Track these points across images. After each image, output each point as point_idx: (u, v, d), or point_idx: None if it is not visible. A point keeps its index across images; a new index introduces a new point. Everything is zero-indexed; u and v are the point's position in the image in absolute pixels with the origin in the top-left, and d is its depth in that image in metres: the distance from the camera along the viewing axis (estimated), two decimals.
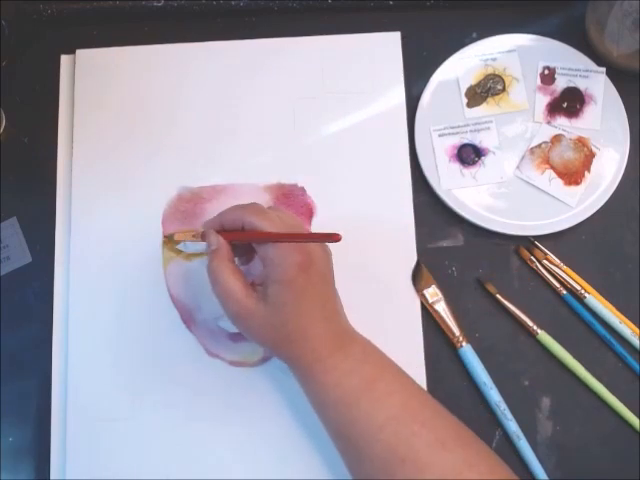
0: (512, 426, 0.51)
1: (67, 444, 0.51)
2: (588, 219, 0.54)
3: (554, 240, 0.55)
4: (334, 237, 0.40)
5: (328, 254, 0.47)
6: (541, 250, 0.54)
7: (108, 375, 0.52)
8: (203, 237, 0.48)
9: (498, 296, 0.53)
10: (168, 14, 0.59)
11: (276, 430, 0.51)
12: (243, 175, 0.55)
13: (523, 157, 0.56)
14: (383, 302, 0.53)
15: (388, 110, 0.56)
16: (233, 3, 0.59)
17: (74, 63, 0.58)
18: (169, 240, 0.54)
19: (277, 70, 0.57)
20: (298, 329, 0.44)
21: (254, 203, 0.47)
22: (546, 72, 0.57)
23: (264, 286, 0.44)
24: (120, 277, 0.54)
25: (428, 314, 0.53)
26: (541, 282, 0.54)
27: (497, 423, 0.52)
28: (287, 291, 0.43)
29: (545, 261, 0.54)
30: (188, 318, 0.53)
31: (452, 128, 0.56)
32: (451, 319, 0.52)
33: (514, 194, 0.55)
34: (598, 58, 0.57)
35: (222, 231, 0.46)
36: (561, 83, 0.57)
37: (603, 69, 0.56)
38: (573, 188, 0.55)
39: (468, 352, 0.52)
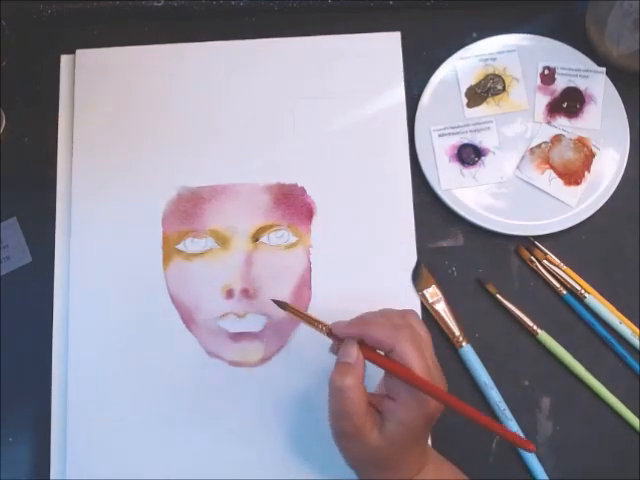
0: (512, 426, 0.51)
1: (67, 444, 0.51)
2: (588, 219, 0.54)
3: (554, 240, 0.55)
4: (529, 446, 0.39)
5: None
6: (541, 250, 0.54)
7: (108, 375, 0.52)
8: (331, 335, 0.44)
9: (498, 296, 0.53)
10: (168, 14, 0.59)
11: (276, 430, 0.51)
12: (243, 175, 0.55)
13: (523, 157, 0.56)
14: (383, 302, 0.53)
15: (388, 110, 0.56)
16: (233, 3, 0.59)
17: (74, 63, 0.58)
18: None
19: (277, 70, 0.57)
20: (397, 464, 0.43)
21: (406, 326, 0.43)
22: (546, 72, 0.57)
23: (384, 417, 0.42)
24: (120, 277, 0.54)
25: (428, 314, 0.53)
26: (541, 282, 0.54)
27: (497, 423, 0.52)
28: (407, 435, 0.42)
29: (545, 261, 0.54)
30: (188, 318, 0.53)
31: (452, 128, 0.56)
32: (451, 319, 0.52)
33: (514, 194, 0.55)
34: (598, 58, 0.57)
35: (362, 345, 0.43)
36: (561, 83, 0.57)
37: (603, 69, 0.56)
38: (573, 188, 0.55)
39: (468, 352, 0.52)
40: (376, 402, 0.43)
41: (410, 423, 0.41)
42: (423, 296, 0.53)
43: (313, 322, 0.45)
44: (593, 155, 0.55)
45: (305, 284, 0.53)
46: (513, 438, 0.41)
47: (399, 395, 0.42)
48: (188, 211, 0.55)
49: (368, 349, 0.43)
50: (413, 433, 0.42)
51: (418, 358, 0.41)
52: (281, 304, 0.48)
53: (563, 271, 0.54)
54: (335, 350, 0.45)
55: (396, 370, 0.41)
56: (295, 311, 0.47)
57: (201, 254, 0.54)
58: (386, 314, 0.44)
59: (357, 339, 0.43)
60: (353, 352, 0.42)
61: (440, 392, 0.41)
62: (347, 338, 0.43)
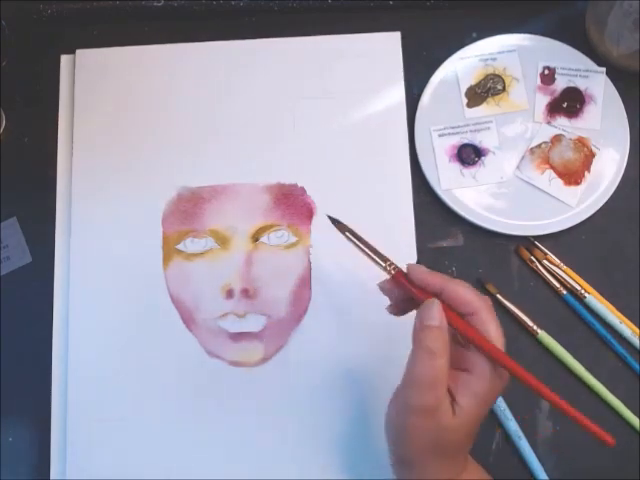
0: (512, 426, 0.51)
1: (67, 444, 0.51)
2: (588, 219, 0.54)
3: (554, 240, 0.55)
4: (608, 440, 0.38)
5: None
6: (541, 250, 0.54)
7: (108, 375, 0.52)
8: (398, 280, 0.41)
9: (498, 296, 0.53)
10: (168, 14, 0.59)
11: (276, 430, 0.51)
12: (243, 175, 0.55)
13: (523, 157, 0.56)
14: (383, 302, 0.53)
15: (388, 110, 0.56)
16: (233, 3, 0.59)
17: (74, 63, 0.58)
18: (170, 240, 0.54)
19: (277, 70, 0.57)
20: (457, 451, 0.41)
21: (487, 298, 0.40)
22: (546, 72, 0.57)
23: (456, 392, 0.39)
24: (120, 277, 0.54)
25: None
26: (541, 282, 0.54)
27: (497, 423, 0.52)
28: (479, 412, 0.39)
29: (545, 261, 0.54)
30: (188, 318, 0.53)
31: (452, 128, 0.56)
32: None
33: (514, 194, 0.55)
34: (598, 58, 0.57)
35: (445, 305, 0.40)
36: (561, 83, 0.57)
37: (603, 69, 0.56)
38: (573, 188, 0.55)
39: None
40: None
41: (484, 397, 0.39)
42: None
43: (377, 257, 0.42)
44: (593, 155, 0.55)
45: (305, 284, 0.53)
46: (593, 428, 0.39)
47: (475, 366, 0.39)
48: (188, 211, 0.55)
49: (445, 306, 0.40)
50: (484, 410, 0.40)
51: (497, 328, 0.40)
52: (340, 226, 0.44)
53: (563, 271, 0.54)
54: (385, 289, 0.42)
55: (476, 337, 0.39)
56: (355, 239, 0.43)
57: (201, 254, 0.54)
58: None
59: (434, 292, 0.40)
60: (439, 314, 0.39)
61: (517, 366, 0.39)
62: (434, 301, 0.40)
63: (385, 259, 0.42)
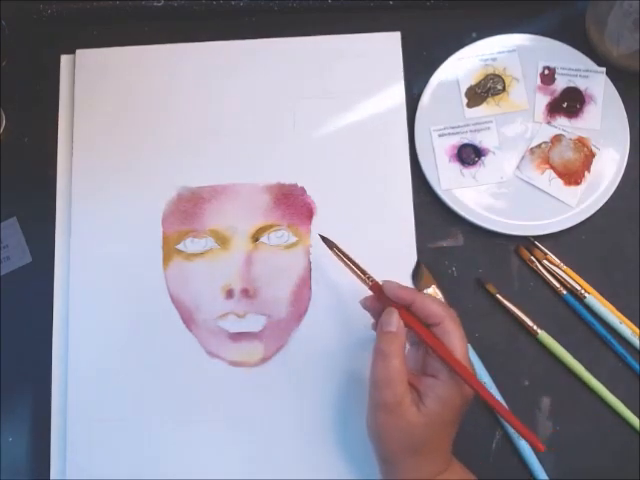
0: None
1: (67, 444, 0.51)
2: (588, 219, 0.54)
3: (554, 240, 0.55)
4: (538, 446, 0.41)
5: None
6: (541, 250, 0.54)
7: (108, 375, 0.52)
8: (375, 291, 0.46)
9: (498, 296, 0.53)
10: (168, 14, 0.59)
11: (276, 430, 0.51)
12: (243, 175, 0.55)
13: (523, 157, 0.56)
14: None
15: (388, 110, 0.56)
16: (233, 3, 0.59)
17: (74, 63, 0.58)
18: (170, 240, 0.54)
19: (277, 70, 0.57)
20: (430, 449, 0.43)
21: (451, 310, 0.44)
22: (546, 72, 0.57)
23: (423, 393, 0.43)
24: (120, 277, 0.54)
25: None
26: (541, 282, 0.54)
27: (497, 423, 0.52)
28: (444, 415, 0.42)
29: (545, 261, 0.54)
30: (188, 318, 0.53)
31: (452, 128, 0.56)
32: None
33: (514, 194, 0.55)
34: (598, 58, 0.57)
35: (407, 314, 0.44)
36: (561, 83, 0.57)
37: (603, 69, 0.56)
38: (573, 188, 0.55)
39: (468, 352, 0.52)
40: (413, 380, 0.44)
41: (448, 401, 0.42)
42: None
43: (358, 271, 0.47)
44: (593, 155, 0.55)
45: (305, 284, 0.53)
46: (527, 434, 0.42)
47: (440, 372, 0.43)
48: (188, 211, 0.55)
49: (413, 318, 0.44)
50: (450, 413, 0.43)
51: (461, 340, 0.43)
52: (328, 242, 0.48)
53: (563, 271, 0.54)
54: (366, 305, 0.46)
55: (437, 347, 0.43)
56: (341, 255, 0.48)
57: (201, 254, 0.54)
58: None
59: (403, 305, 0.44)
60: (396, 321, 0.43)
61: (474, 378, 0.42)
62: (394, 301, 0.44)
63: (364, 272, 0.47)
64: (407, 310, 0.44)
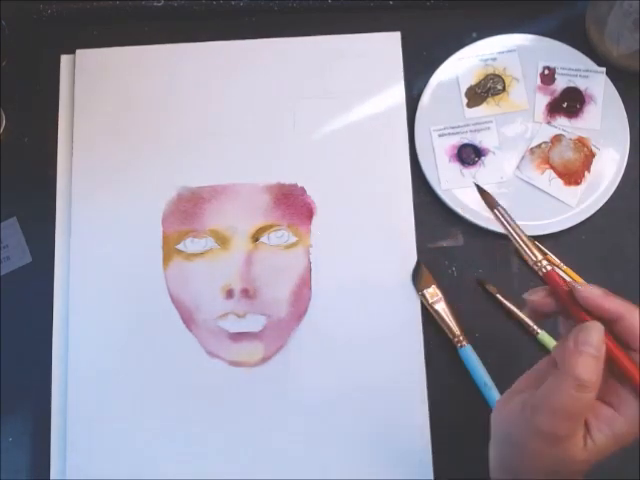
0: None
1: (67, 444, 0.51)
2: (588, 219, 0.54)
3: (554, 240, 0.55)
4: None
5: None
6: (541, 250, 0.54)
7: (108, 375, 0.52)
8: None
9: (498, 296, 0.53)
10: (168, 14, 0.59)
11: (276, 430, 0.51)
12: (243, 175, 0.55)
13: (523, 157, 0.56)
14: (383, 302, 0.53)
15: (388, 110, 0.56)
16: (233, 3, 0.59)
17: (74, 63, 0.58)
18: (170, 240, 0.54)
19: (277, 70, 0.57)
20: (573, 478, 0.36)
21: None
22: (546, 72, 0.57)
23: (595, 426, 0.35)
24: (120, 277, 0.54)
25: (428, 314, 0.53)
26: (541, 282, 0.54)
27: None
28: (613, 450, 0.35)
29: (545, 261, 0.54)
30: (188, 318, 0.53)
31: (452, 128, 0.56)
32: (451, 319, 0.52)
33: (514, 194, 0.55)
34: (598, 58, 0.57)
35: (608, 332, 0.35)
36: (561, 83, 0.57)
37: (603, 69, 0.56)
38: (573, 188, 0.55)
39: (468, 352, 0.52)
40: None
41: (623, 438, 0.35)
42: (423, 296, 0.53)
43: (530, 251, 0.38)
44: (593, 155, 0.55)
45: (305, 284, 0.53)
46: None
47: (623, 405, 0.35)
48: (188, 211, 0.55)
49: (608, 335, 0.35)
50: (616, 451, 0.35)
51: None
52: (489, 199, 0.39)
53: (563, 271, 0.54)
54: (533, 301, 0.38)
55: (635, 377, 0.34)
56: (506, 222, 0.39)
57: (201, 254, 0.54)
58: None
59: (608, 319, 0.35)
60: (600, 343, 0.34)
61: None
62: (588, 309, 0.36)
63: (536, 255, 0.37)
64: (610, 325, 0.35)
